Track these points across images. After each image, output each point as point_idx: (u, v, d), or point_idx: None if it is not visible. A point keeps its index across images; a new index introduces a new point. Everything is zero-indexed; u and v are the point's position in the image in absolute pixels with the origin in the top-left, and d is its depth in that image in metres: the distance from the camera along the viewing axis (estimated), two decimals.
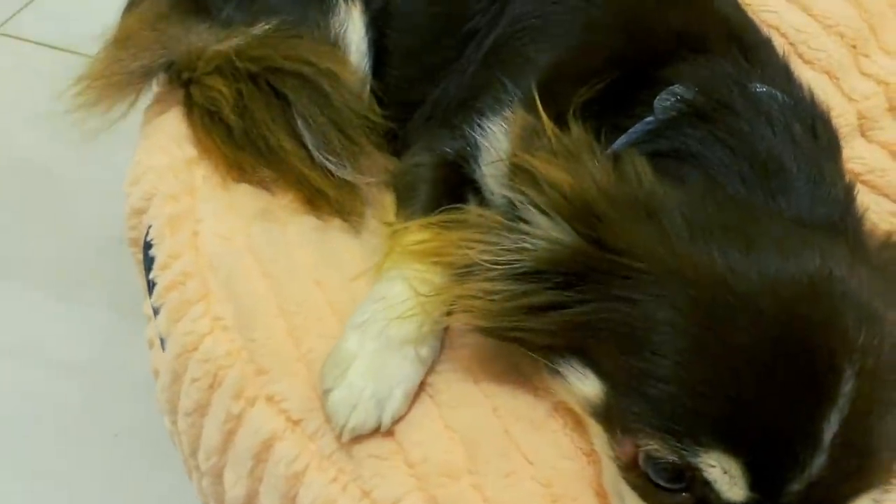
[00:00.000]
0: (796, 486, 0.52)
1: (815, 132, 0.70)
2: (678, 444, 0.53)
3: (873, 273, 0.61)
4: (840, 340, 0.54)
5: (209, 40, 0.94)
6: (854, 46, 0.96)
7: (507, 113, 0.76)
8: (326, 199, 0.85)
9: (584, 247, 0.59)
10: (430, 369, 0.70)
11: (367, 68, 1.00)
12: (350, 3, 0.98)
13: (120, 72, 0.99)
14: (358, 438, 0.66)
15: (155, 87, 1.02)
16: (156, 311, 0.81)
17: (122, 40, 1.02)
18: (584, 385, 0.61)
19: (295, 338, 0.72)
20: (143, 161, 0.93)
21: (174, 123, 0.94)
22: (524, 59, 0.81)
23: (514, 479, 0.64)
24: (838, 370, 0.53)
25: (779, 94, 0.70)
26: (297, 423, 0.68)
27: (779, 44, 0.96)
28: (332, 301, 0.74)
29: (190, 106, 0.92)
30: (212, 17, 0.97)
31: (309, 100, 0.87)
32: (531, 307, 0.61)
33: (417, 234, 0.73)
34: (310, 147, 0.86)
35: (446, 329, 0.72)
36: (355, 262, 0.79)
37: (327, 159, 0.85)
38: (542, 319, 0.61)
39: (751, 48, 0.77)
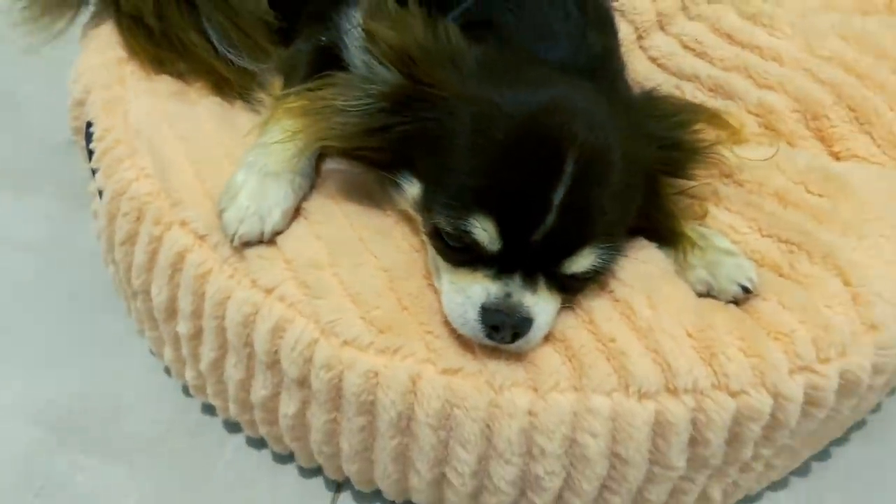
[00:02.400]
0: (535, 237, 0.76)
1: (586, 10, 0.94)
2: (452, 214, 0.77)
3: (616, 103, 0.86)
4: (567, 138, 0.77)
5: None
6: None
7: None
8: (229, 83, 1.06)
9: (404, 82, 0.82)
10: (304, 197, 0.93)
11: None
12: None
13: None
14: (247, 245, 0.89)
15: (91, 6, 1.21)
16: (94, 172, 1.03)
17: None
18: (411, 188, 0.84)
19: (201, 179, 0.93)
20: (82, 63, 1.13)
21: (106, 32, 1.13)
22: None
23: (363, 268, 0.87)
24: (563, 157, 0.76)
25: None
26: (202, 238, 0.90)
27: None
28: (229, 153, 0.95)
29: (119, 14, 1.11)
30: None
31: (213, 5, 1.06)
32: (370, 129, 0.83)
33: (295, 99, 0.96)
34: (215, 43, 1.06)
35: (317, 168, 0.95)
36: (249, 127, 1.01)
37: (229, 52, 1.06)
38: (377, 138, 0.83)
39: None
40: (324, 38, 1.02)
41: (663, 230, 0.91)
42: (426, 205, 0.82)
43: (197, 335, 0.92)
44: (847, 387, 0.84)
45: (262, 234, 0.88)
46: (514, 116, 0.78)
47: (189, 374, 0.98)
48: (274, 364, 0.86)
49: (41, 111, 1.44)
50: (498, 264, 0.79)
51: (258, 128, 0.95)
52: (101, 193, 1.01)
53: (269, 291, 0.85)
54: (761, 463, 0.92)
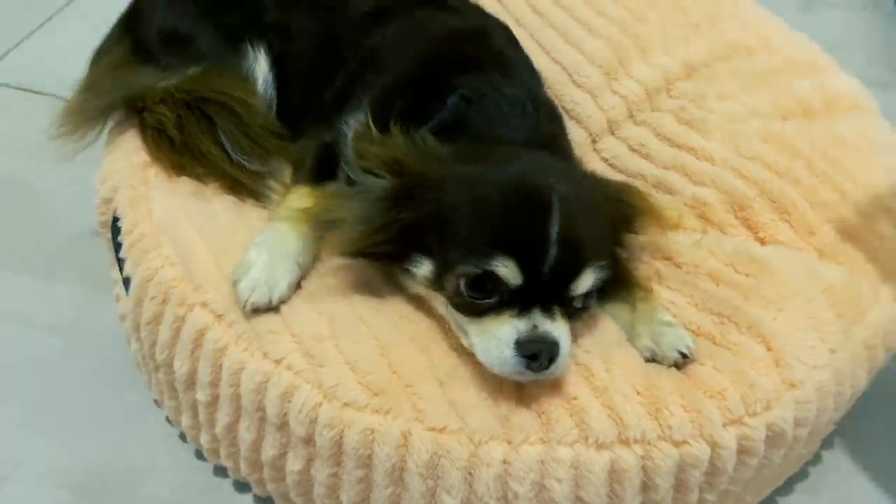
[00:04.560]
0: (546, 268, 0.93)
1: (537, 107, 1.16)
2: (477, 260, 0.93)
3: (572, 166, 1.10)
4: (548, 186, 0.96)
5: (155, 80, 1.30)
6: (608, 74, 1.40)
7: (361, 115, 1.17)
8: (242, 185, 1.22)
9: (397, 182, 0.99)
10: (308, 274, 1.07)
11: (272, 93, 1.37)
12: (256, 49, 1.36)
13: (91, 109, 1.35)
14: (259, 321, 1.03)
15: (115, 117, 1.39)
16: (122, 262, 1.17)
17: (90, 85, 1.39)
18: (422, 268, 1.00)
19: (218, 266, 1.07)
20: (109, 166, 1.29)
21: (130, 139, 1.30)
22: (369, 81, 1.23)
23: (359, 338, 1.01)
24: (550, 201, 0.94)
25: (519, 91, 1.14)
26: (220, 317, 1.03)
27: (556, 70, 1.40)
28: (242, 244, 1.09)
29: (143, 127, 1.28)
30: (156, 64, 1.34)
31: (227, 119, 1.24)
32: (376, 227, 0.99)
33: (302, 198, 1.12)
34: (229, 151, 1.23)
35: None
36: (261, 220, 1.17)
37: (242, 158, 1.23)
38: (384, 232, 0.99)
39: (509, 67, 1.21)
40: (327, 137, 1.21)
41: (622, 279, 1.07)
42: (440, 273, 0.98)
43: (214, 402, 1.05)
44: (773, 437, 0.98)
45: (270, 302, 1.03)
46: (501, 178, 0.98)
47: (204, 439, 1.11)
48: (283, 425, 0.99)
49: (60, 203, 1.60)
50: (519, 302, 0.94)
51: (270, 211, 1.12)
52: (125, 281, 1.16)
53: (278, 362, 0.99)
54: None
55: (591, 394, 0.96)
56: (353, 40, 1.31)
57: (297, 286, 1.05)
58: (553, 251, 0.93)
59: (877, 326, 1.08)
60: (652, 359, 1.02)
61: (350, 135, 1.13)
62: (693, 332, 1.04)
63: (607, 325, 1.06)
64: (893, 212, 1.17)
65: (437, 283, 0.99)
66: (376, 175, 1.01)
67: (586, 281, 0.96)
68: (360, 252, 1.03)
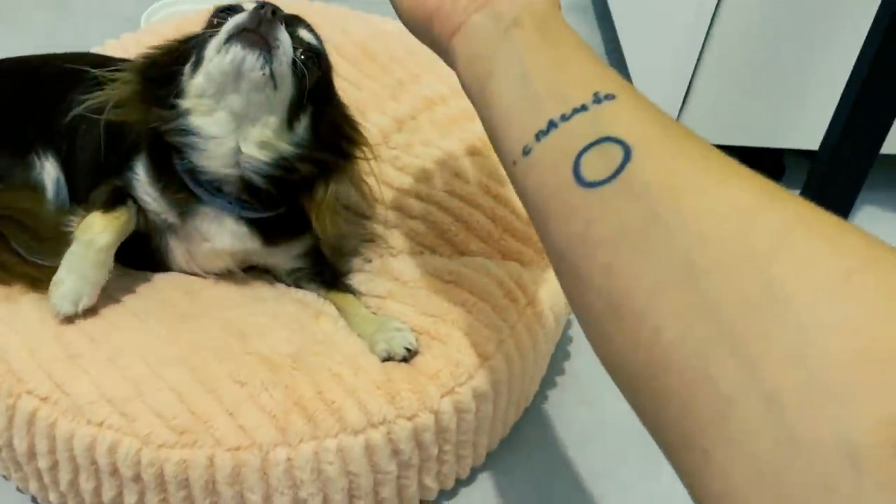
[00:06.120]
0: None
1: None
2: None
3: None
4: None
5: None
6: None
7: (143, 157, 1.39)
8: (41, 281, 1.45)
9: None
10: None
11: (63, 193, 1.60)
12: (43, 159, 1.53)
13: None
14: (78, 396, 1.29)
15: None
16: None
17: None
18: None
19: (35, 357, 1.31)
20: None
21: None
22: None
23: (159, 391, 1.31)
24: None
25: None
26: (45, 399, 1.26)
27: None
28: (53, 333, 1.36)
29: None
30: None
31: (15, 230, 1.43)
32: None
33: (95, 222, 1.34)
34: (24, 255, 1.47)
35: None
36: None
37: (36, 259, 1.47)
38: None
39: None
40: (117, 182, 1.40)
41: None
42: None
43: (55, 466, 1.30)
44: (478, 397, 1.37)
45: (77, 309, 1.34)
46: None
47: (53, 496, 1.35)
48: (114, 472, 1.26)
49: None
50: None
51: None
52: None
53: (100, 425, 1.25)
54: (451, 455, 1.44)
55: (345, 395, 1.31)
56: None
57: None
58: None
59: (545, 301, 1.51)
60: (388, 358, 1.39)
61: (138, 180, 1.38)
62: (417, 331, 1.42)
63: (353, 342, 1.42)
64: None
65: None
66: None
67: None
68: None
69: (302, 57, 1.20)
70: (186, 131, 1.26)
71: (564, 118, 0.65)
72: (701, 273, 0.52)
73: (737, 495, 0.47)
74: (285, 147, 1.26)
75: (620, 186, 0.59)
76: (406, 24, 0.89)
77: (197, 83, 1.23)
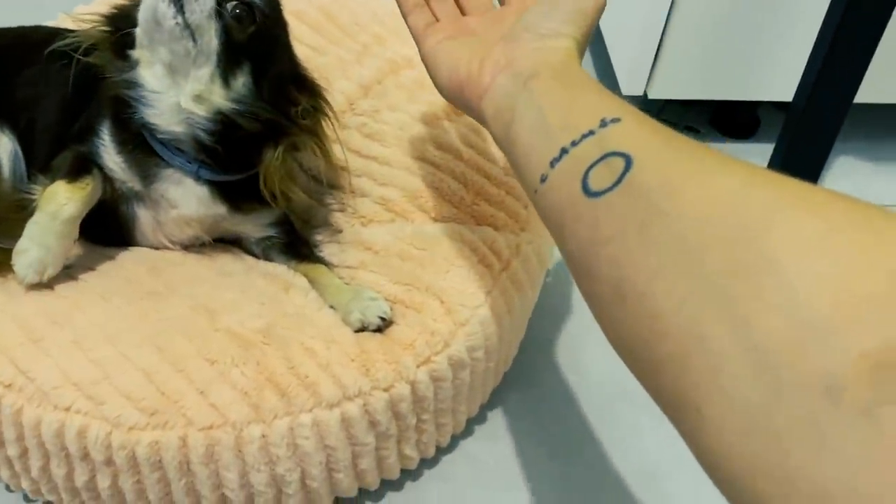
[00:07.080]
0: None
1: None
2: None
3: None
4: None
5: None
6: None
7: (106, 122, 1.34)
8: (4, 264, 1.42)
9: None
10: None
11: (21, 170, 1.56)
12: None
13: None
14: (44, 381, 1.26)
15: None
16: None
17: None
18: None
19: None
20: None
21: None
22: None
23: (125, 372, 1.28)
24: None
25: None
26: (9, 386, 1.22)
27: None
28: (13, 316, 1.32)
29: None
30: None
31: None
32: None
33: (58, 191, 1.28)
34: None
35: None
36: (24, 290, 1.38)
37: None
38: None
39: None
40: (82, 149, 1.35)
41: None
42: None
43: (24, 453, 1.27)
44: (455, 365, 1.36)
45: (42, 277, 1.31)
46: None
47: (25, 483, 1.33)
48: (85, 456, 1.23)
49: None
50: None
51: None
52: None
53: (67, 409, 1.22)
54: (431, 424, 1.43)
55: (318, 369, 1.29)
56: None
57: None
58: None
59: (520, 265, 1.49)
60: (363, 328, 1.37)
61: (103, 145, 1.33)
62: (391, 301, 1.39)
63: (325, 314, 1.39)
64: None
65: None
66: None
67: None
68: None
69: (235, 10, 1.15)
70: (136, 84, 1.24)
71: (574, 144, 0.72)
72: (696, 250, 0.56)
73: (730, 451, 0.51)
74: (222, 102, 1.22)
75: (623, 190, 0.64)
76: (444, 96, 1.03)
77: (138, 33, 1.21)
